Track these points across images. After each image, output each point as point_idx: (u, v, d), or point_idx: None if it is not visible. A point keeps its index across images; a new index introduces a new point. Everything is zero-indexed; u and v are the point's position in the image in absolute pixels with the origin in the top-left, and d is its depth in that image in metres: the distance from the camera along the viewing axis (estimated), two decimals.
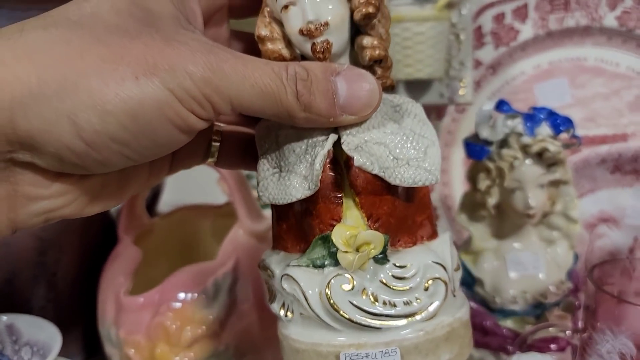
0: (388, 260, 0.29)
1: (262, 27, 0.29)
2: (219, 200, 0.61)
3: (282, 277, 0.30)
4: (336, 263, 0.29)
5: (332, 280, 0.28)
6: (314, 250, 0.30)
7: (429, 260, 0.29)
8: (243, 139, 0.34)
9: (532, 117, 0.45)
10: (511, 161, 0.44)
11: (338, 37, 0.28)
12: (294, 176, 0.28)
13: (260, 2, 0.29)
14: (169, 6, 0.25)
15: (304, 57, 0.29)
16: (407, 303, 0.29)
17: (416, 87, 0.54)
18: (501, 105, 0.45)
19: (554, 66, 0.58)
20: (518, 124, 0.45)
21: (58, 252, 0.52)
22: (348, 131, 0.28)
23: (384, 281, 0.29)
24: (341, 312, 0.28)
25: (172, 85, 0.23)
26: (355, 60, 0.30)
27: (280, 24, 0.29)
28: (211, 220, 0.59)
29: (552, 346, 0.48)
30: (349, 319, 0.28)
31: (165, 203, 0.64)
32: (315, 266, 0.29)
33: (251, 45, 0.31)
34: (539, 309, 0.48)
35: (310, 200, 0.28)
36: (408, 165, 0.28)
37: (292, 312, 0.31)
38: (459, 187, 0.57)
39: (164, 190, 0.64)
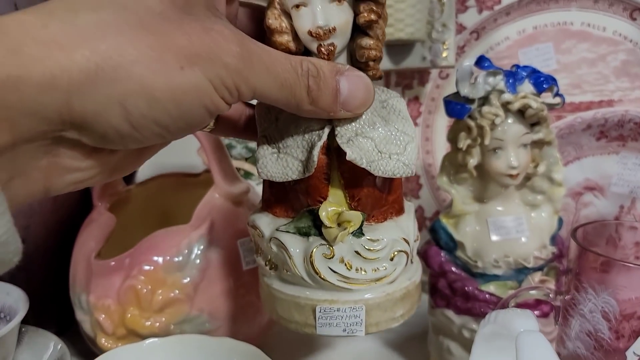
0: (363, 234, 0.34)
1: (272, 19, 0.31)
2: (199, 169, 0.59)
3: (270, 239, 0.35)
4: (319, 233, 0.33)
5: (316, 249, 0.33)
6: (301, 220, 0.34)
7: (396, 235, 0.35)
8: (240, 110, 0.37)
9: (514, 75, 0.43)
10: (492, 119, 0.43)
11: (342, 39, 0.31)
12: (291, 159, 0.32)
13: None
14: None
15: (307, 50, 0.32)
16: (375, 270, 0.34)
17: (398, 51, 0.53)
18: (482, 62, 0.43)
19: (538, 31, 0.56)
20: (500, 81, 0.43)
21: (27, 218, 0.50)
22: (341, 124, 0.32)
23: (358, 252, 0.34)
24: (321, 275, 0.33)
25: (211, 75, 0.25)
26: (352, 54, 0.33)
27: (289, 16, 0.31)
28: (189, 189, 0.57)
29: (536, 312, 0.47)
30: (327, 281, 0.34)
31: (144, 172, 0.62)
32: (301, 234, 0.34)
33: (257, 18, 0.33)
34: (522, 274, 0.46)
35: (302, 179, 0.33)
36: (390, 159, 0.33)
37: (276, 268, 0.36)
38: (442, 156, 0.56)
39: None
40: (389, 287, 0.35)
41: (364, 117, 0.32)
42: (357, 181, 0.34)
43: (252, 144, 0.64)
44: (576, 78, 0.56)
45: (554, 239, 0.48)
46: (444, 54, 0.52)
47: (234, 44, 0.26)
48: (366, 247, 0.34)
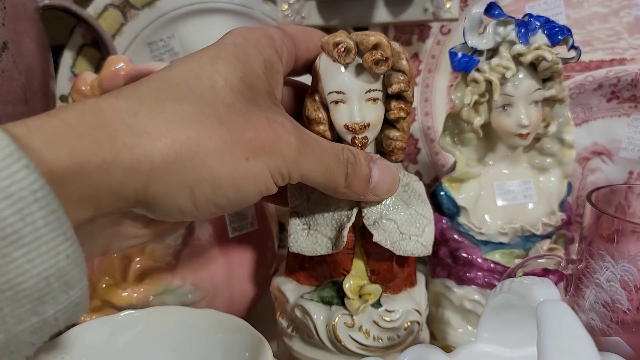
0: (381, 305, 0.37)
1: (312, 110, 0.35)
2: None
3: (295, 305, 0.38)
4: (342, 303, 0.37)
5: (338, 318, 0.37)
6: (325, 290, 0.38)
7: (410, 307, 0.38)
8: None
9: (526, 24, 0.40)
10: (503, 72, 0.39)
11: (373, 133, 0.35)
12: (321, 236, 0.36)
13: (310, 67, 0.35)
14: (266, 83, 0.30)
15: (339, 137, 0.35)
16: (390, 338, 0.38)
17: (397, 2, 0.49)
18: (492, 9, 0.40)
19: None
20: (511, 31, 0.40)
21: None
22: (368, 206, 0.36)
23: (376, 321, 0.37)
24: (342, 343, 0.37)
25: (271, 165, 0.28)
26: (380, 142, 0.37)
27: (326, 108, 0.35)
28: None
29: None
30: (347, 348, 0.37)
31: None
32: (324, 302, 0.38)
33: (298, 97, 0.37)
34: (529, 242, 0.43)
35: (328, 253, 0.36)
36: (409, 240, 0.36)
37: (298, 331, 0.39)
38: (441, 118, 0.52)
39: None
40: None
41: (388, 200, 0.36)
42: (378, 257, 0.37)
43: None
44: (587, 34, 0.53)
45: (562, 205, 0.45)
46: (447, 5, 0.48)
47: (293, 135, 0.29)
48: (384, 317, 0.37)
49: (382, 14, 0.49)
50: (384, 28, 0.53)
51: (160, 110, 0.26)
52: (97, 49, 0.57)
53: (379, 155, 0.35)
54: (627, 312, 0.35)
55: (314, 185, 0.32)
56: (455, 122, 0.43)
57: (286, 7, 0.52)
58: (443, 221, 0.44)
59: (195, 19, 0.57)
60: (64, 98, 0.57)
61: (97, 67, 0.57)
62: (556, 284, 0.44)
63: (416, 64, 0.55)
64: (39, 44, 0.48)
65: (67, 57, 0.57)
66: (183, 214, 0.28)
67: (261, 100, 0.29)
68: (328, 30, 0.54)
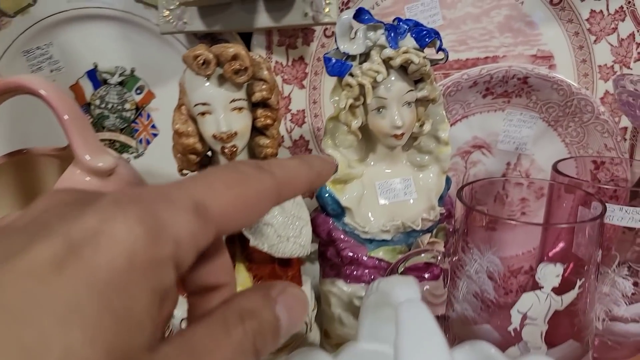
0: None
1: (180, 123, 0.36)
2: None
3: (182, 319, 0.37)
4: None
5: None
6: None
7: None
8: None
9: (395, 28, 0.41)
10: (374, 76, 0.40)
11: (243, 141, 0.36)
12: None
13: None
14: (148, 336, 0.17)
15: (211, 149, 0.37)
16: None
17: (278, 6, 0.49)
18: (361, 14, 0.41)
19: None
20: (381, 35, 0.41)
21: None
22: None
23: None
24: None
25: None
26: (252, 151, 0.38)
27: (194, 120, 0.36)
28: (56, 164, 0.51)
29: (426, 275, 0.46)
30: None
31: (4, 147, 0.55)
32: None
33: None
34: (411, 237, 0.45)
35: None
36: (287, 242, 0.38)
37: None
38: None
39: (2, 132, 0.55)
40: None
41: None
42: (259, 263, 0.38)
43: (127, 113, 0.59)
44: (462, 34, 0.55)
45: (442, 200, 0.47)
46: (326, 10, 0.49)
47: None
48: None
49: (263, 19, 0.49)
50: (268, 32, 0.53)
51: None
52: None
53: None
54: (494, 300, 0.37)
55: None
56: (335, 125, 0.44)
57: (167, 13, 0.51)
58: (329, 222, 0.45)
59: (74, 25, 0.55)
60: None
61: None
62: (439, 276, 0.46)
63: (302, 67, 0.56)
64: None
65: None
66: None
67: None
68: (212, 35, 0.54)
